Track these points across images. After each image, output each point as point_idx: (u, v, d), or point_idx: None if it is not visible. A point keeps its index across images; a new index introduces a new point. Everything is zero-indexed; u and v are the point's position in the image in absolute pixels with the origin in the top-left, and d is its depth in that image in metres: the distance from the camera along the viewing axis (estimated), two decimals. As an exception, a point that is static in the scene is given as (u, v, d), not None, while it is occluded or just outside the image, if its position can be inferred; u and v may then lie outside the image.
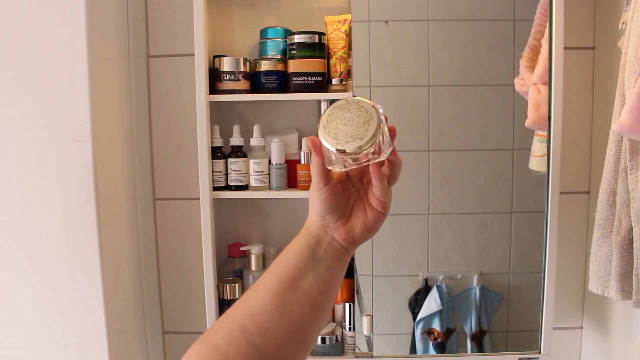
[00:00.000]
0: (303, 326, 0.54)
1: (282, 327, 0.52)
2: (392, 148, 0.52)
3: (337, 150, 0.50)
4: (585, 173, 1.26)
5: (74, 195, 1.01)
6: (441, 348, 1.20)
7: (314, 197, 0.55)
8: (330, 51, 1.16)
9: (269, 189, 1.17)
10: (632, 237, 0.89)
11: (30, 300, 1.04)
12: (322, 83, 1.14)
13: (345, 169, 0.53)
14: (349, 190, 0.58)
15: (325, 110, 0.53)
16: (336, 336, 1.17)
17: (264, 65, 1.15)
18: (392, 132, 0.53)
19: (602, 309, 1.19)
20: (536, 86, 1.08)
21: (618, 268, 0.91)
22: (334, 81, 1.15)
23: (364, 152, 0.50)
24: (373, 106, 0.52)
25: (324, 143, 0.51)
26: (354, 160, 0.51)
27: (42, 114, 1.00)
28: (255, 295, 0.54)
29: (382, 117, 0.52)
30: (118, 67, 1.14)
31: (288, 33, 1.17)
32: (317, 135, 0.53)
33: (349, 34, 1.15)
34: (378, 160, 0.52)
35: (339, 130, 0.51)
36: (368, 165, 0.53)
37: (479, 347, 1.20)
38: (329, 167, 0.53)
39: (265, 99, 1.17)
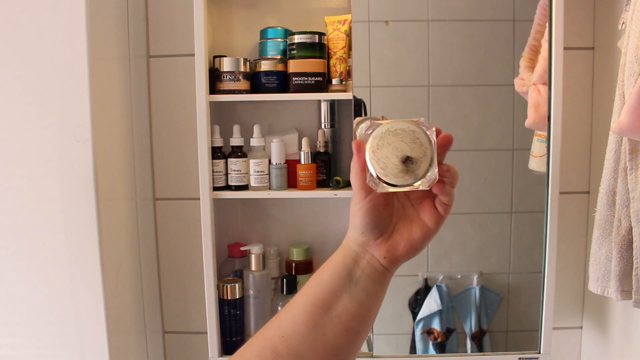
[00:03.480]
0: (336, 350, 0.51)
1: (313, 351, 0.50)
2: (437, 176, 0.49)
3: (384, 182, 0.49)
4: (585, 173, 1.26)
5: (74, 195, 1.01)
6: (441, 348, 1.20)
7: (354, 210, 0.52)
8: (330, 51, 1.16)
9: (269, 189, 1.17)
10: (632, 237, 0.89)
11: (30, 300, 1.04)
12: (322, 83, 1.14)
13: (385, 191, 0.50)
14: (392, 205, 0.54)
15: (375, 129, 0.50)
16: (336, 336, 1.17)
17: (264, 66, 1.15)
18: (447, 142, 0.50)
19: (601, 308, 1.19)
20: (536, 86, 1.08)
21: (618, 268, 0.91)
22: (334, 81, 1.15)
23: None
24: (428, 138, 0.48)
25: (372, 170, 0.49)
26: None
27: (42, 114, 1.00)
28: (288, 315, 0.52)
29: (433, 139, 0.49)
30: (118, 67, 1.14)
31: (288, 33, 1.17)
32: (365, 151, 0.49)
33: (349, 34, 1.15)
34: (422, 189, 0.49)
35: (389, 161, 0.48)
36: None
37: (479, 347, 1.20)
38: (370, 184, 0.50)
39: (265, 99, 1.17)
